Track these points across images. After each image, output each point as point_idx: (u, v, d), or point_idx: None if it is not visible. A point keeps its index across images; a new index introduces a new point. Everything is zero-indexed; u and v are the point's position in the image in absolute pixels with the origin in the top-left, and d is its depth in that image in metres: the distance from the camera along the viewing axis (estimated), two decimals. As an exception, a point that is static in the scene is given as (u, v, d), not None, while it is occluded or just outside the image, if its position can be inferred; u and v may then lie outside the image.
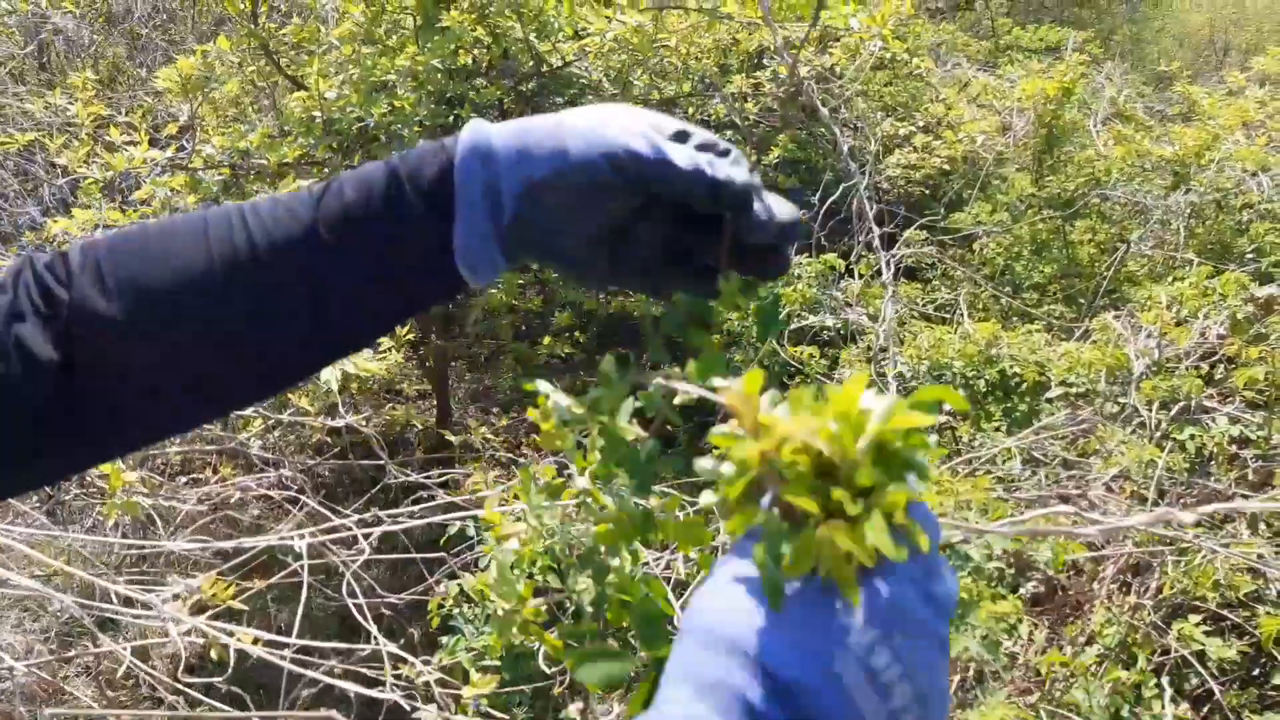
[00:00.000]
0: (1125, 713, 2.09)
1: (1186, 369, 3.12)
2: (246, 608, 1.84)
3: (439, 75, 3.63)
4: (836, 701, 0.40)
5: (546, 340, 4.74)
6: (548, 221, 0.60)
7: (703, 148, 0.58)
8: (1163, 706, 2.07)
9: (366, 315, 0.64)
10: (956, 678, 2.21)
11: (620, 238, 0.61)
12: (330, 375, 2.10)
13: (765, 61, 4.82)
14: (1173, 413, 2.92)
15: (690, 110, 4.80)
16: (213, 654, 1.61)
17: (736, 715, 0.40)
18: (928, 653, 0.43)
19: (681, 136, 0.58)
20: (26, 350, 0.59)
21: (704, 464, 0.45)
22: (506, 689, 2.16)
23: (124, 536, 2.58)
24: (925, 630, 0.43)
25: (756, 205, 0.58)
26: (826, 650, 0.41)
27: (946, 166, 4.99)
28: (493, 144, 0.60)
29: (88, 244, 0.63)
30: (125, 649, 1.72)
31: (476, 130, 0.61)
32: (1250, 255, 3.99)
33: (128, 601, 1.90)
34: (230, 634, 1.61)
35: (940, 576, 0.45)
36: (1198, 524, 2.24)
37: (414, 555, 2.51)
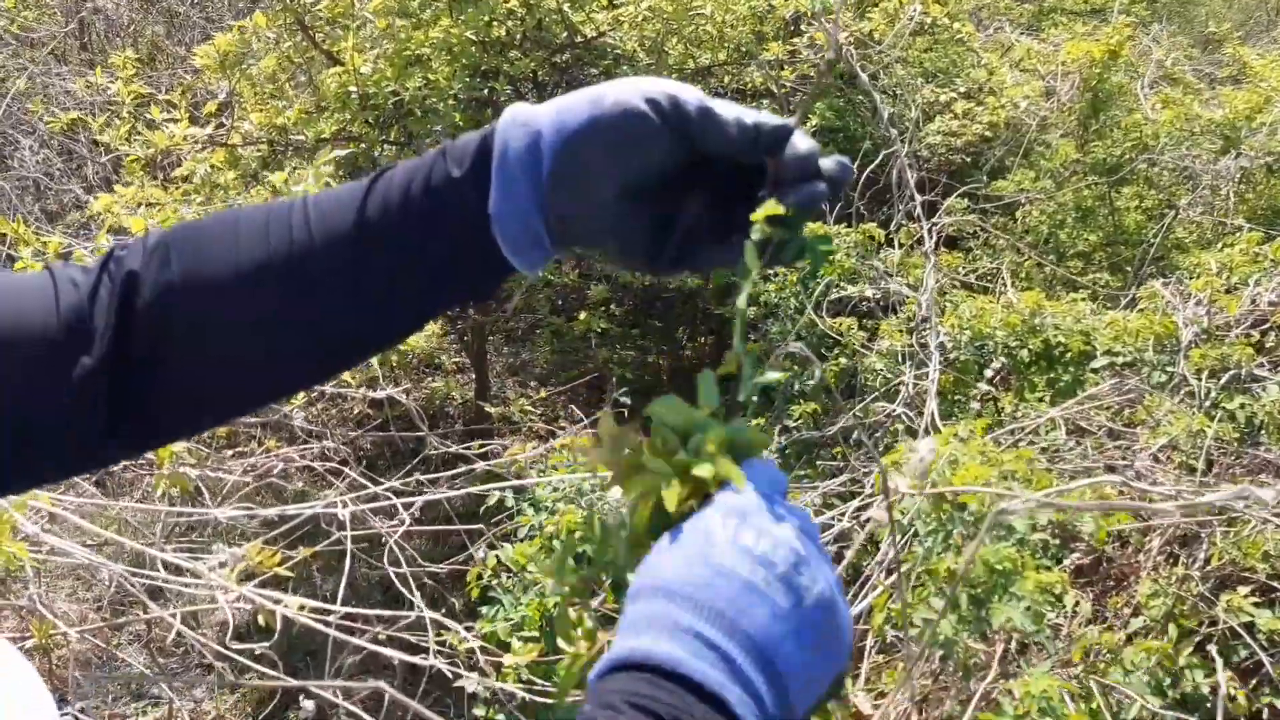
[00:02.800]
0: (1168, 683, 2.06)
1: (1236, 337, 3.05)
2: (292, 574, 1.87)
3: (473, 48, 3.62)
4: (725, 583, 0.49)
5: (582, 314, 4.74)
6: (587, 172, 0.59)
7: None
8: (1214, 674, 2.04)
9: (408, 303, 0.65)
10: (999, 648, 2.19)
11: (661, 200, 0.60)
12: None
13: (802, 28, 4.75)
14: (1222, 381, 2.86)
15: (726, 79, 4.75)
16: (260, 620, 1.64)
17: (682, 636, 0.48)
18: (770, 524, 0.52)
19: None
20: (101, 331, 0.61)
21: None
22: (547, 659, 2.18)
23: (171, 505, 2.64)
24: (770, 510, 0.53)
25: (793, 139, 0.58)
26: (699, 552, 0.50)
27: (988, 133, 4.89)
28: (533, 110, 0.60)
29: (163, 232, 0.65)
30: (175, 615, 1.76)
31: (517, 106, 0.61)
32: (1303, 220, 3.89)
33: (176, 570, 1.94)
34: (277, 601, 1.64)
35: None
36: None
37: (455, 526, 2.54)
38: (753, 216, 0.57)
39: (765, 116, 0.57)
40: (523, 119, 0.60)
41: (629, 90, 0.58)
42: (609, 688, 0.47)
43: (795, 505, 0.55)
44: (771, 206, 0.57)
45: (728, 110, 0.57)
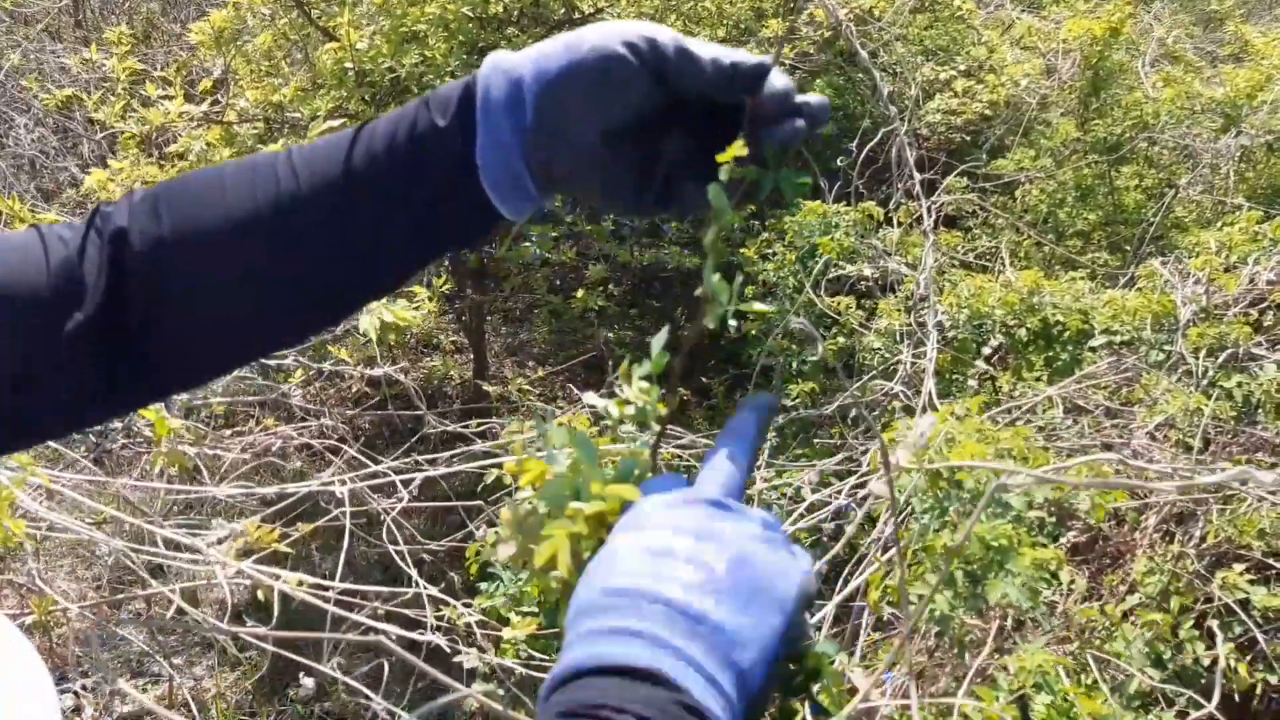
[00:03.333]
0: (1168, 655, 2.07)
1: (1235, 315, 3.04)
2: (291, 552, 1.87)
3: (470, 24, 3.60)
4: (631, 581, 0.50)
5: (580, 293, 4.73)
6: (568, 116, 0.59)
7: None
8: (1210, 648, 2.05)
9: (395, 252, 0.65)
10: (995, 625, 2.20)
11: (642, 143, 0.61)
12: (367, 323, 2.11)
13: (802, 4, 4.71)
14: (1220, 360, 2.86)
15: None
16: (259, 595, 1.65)
17: (598, 637, 0.49)
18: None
19: None
20: (91, 286, 0.61)
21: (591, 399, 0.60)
22: (545, 632, 2.19)
23: (170, 484, 2.64)
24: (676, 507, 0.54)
25: (770, 78, 0.58)
26: (606, 568, 0.52)
27: (988, 111, 4.87)
28: (513, 57, 0.61)
29: (148, 189, 0.66)
30: (174, 590, 1.76)
31: (497, 53, 0.62)
32: (1303, 199, 3.88)
33: (175, 546, 1.94)
34: (275, 578, 1.65)
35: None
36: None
37: (453, 504, 2.54)
38: (719, 157, 0.57)
39: (742, 55, 0.58)
40: (504, 66, 0.60)
41: (606, 33, 0.58)
42: (544, 715, 0.47)
43: (708, 485, 0.56)
44: (738, 147, 0.57)
45: (704, 50, 0.58)
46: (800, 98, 0.59)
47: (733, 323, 0.58)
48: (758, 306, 0.59)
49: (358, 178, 0.62)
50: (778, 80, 0.58)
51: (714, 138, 0.59)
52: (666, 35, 0.58)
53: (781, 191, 0.60)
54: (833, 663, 0.56)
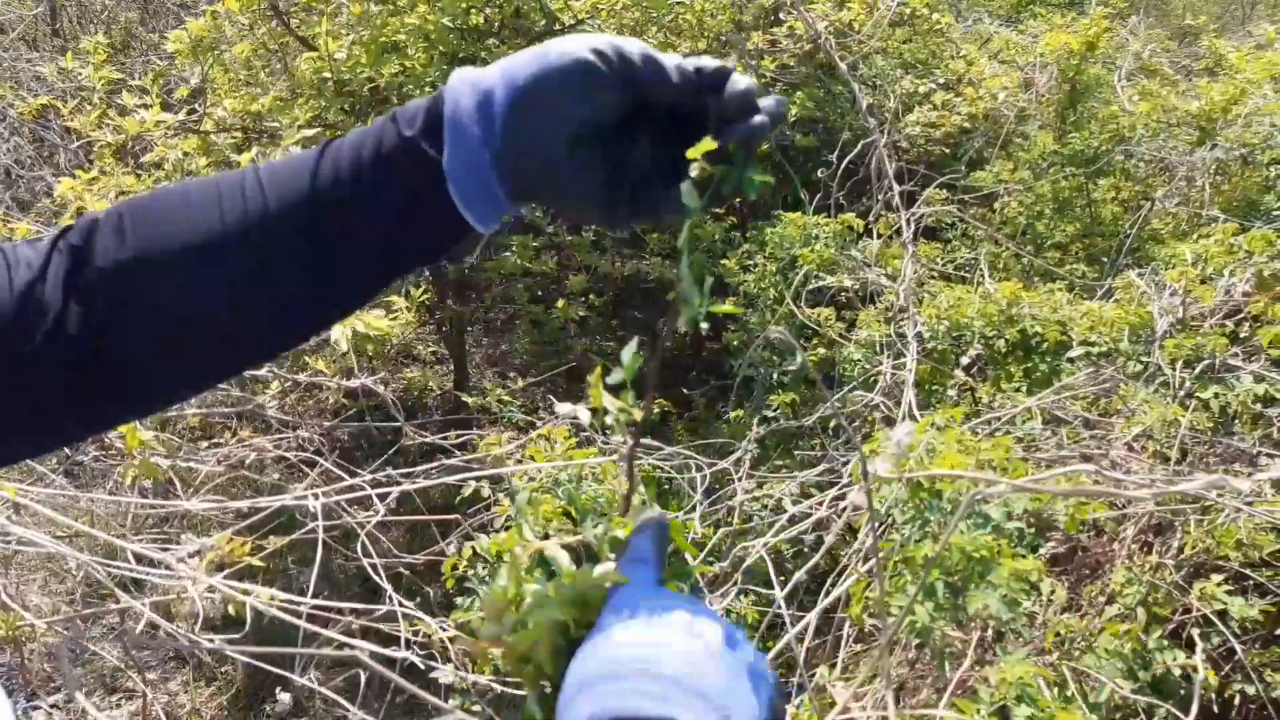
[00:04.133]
0: (1146, 668, 2.07)
1: (1211, 327, 3.06)
2: (265, 565, 1.84)
3: (451, 35, 3.59)
4: (629, 651, 0.52)
5: (561, 304, 4.72)
6: (538, 124, 0.59)
7: None
8: (1175, 658, 2.05)
9: (364, 267, 0.65)
10: (975, 635, 2.20)
11: (612, 148, 0.61)
12: (340, 334, 2.09)
13: (782, 17, 4.74)
14: (1196, 371, 2.87)
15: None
16: (230, 609, 1.62)
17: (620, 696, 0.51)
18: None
19: None
20: (53, 306, 0.61)
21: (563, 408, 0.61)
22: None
23: (142, 497, 2.60)
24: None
25: (732, 79, 0.60)
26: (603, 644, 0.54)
27: (967, 124, 4.90)
28: (480, 71, 0.61)
29: (114, 206, 0.65)
30: (145, 604, 1.73)
31: (463, 68, 0.62)
32: (1277, 211, 3.91)
33: (147, 562, 1.91)
34: (246, 592, 1.62)
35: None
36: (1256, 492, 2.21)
37: (430, 518, 2.52)
38: (689, 153, 0.58)
39: (703, 60, 0.60)
40: (471, 79, 0.61)
41: (574, 43, 0.59)
42: None
43: (674, 593, 0.59)
44: (706, 143, 0.58)
45: (667, 59, 0.59)
46: (760, 100, 0.60)
47: (704, 325, 0.60)
48: (726, 307, 0.60)
49: (324, 194, 0.62)
50: (739, 81, 0.60)
51: (680, 147, 0.60)
52: (633, 44, 0.59)
53: (743, 189, 0.61)
54: None
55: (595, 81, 0.58)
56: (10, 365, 0.60)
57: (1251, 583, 2.40)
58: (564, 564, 0.60)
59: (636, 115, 0.61)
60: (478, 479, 2.39)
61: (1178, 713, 1.89)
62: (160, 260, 0.62)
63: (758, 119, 0.60)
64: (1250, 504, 2.30)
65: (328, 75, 3.50)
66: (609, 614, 0.56)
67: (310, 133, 2.99)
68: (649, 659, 0.51)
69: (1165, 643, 2.09)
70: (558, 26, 4.09)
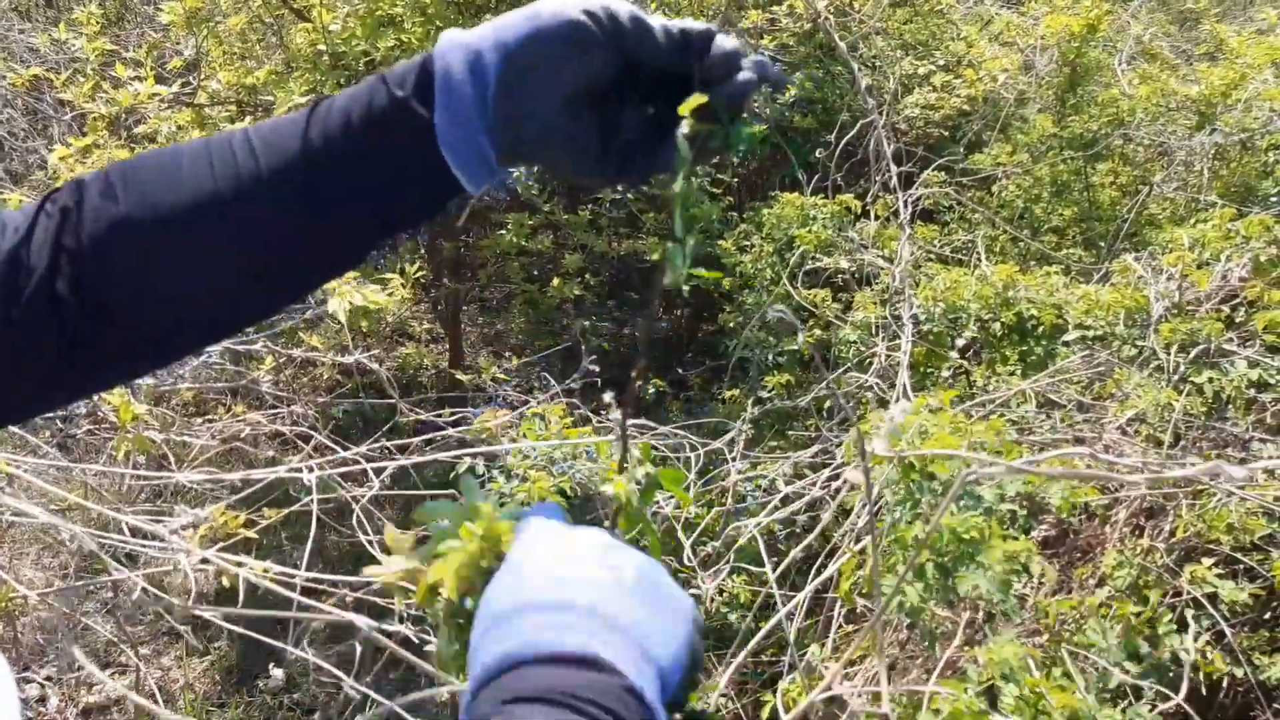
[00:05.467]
0: (1144, 649, 2.08)
1: (1207, 312, 3.06)
2: (259, 538, 1.85)
3: (447, 9, 3.56)
4: (543, 580, 0.52)
5: (556, 283, 4.71)
6: (530, 83, 0.60)
7: None
8: (1182, 641, 2.07)
9: (355, 226, 0.65)
10: (965, 616, 2.21)
11: (603, 109, 0.62)
12: (338, 306, 2.08)
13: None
14: (1191, 356, 2.88)
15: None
16: (224, 581, 1.62)
17: (520, 632, 0.50)
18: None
19: None
20: (37, 267, 0.61)
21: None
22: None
23: (135, 469, 2.60)
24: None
25: (717, 39, 0.61)
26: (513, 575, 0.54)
27: (966, 106, 4.88)
28: (470, 32, 0.62)
29: (101, 171, 0.65)
30: (138, 576, 1.73)
31: (453, 30, 0.63)
32: (1275, 197, 3.91)
33: (140, 534, 1.91)
34: (239, 565, 1.62)
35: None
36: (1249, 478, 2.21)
37: (426, 492, 2.52)
38: (680, 109, 0.59)
39: (689, 23, 0.61)
40: (462, 40, 0.61)
41: (565, 2, 0.60)
42: (474, 712, 0.48)
43: (587, 528, 0.58)
44: (696, 99, 0.59)
45: (655, 20, 0.60)
46: (746, 60, 0.61)
47: (686, 289, 0.61)
48: (703, 272, 0.61)
49: (315, 154, 0.62)
50: (725, 42, 0.61)
51: (670, 107, 0.61)
52: (623, 5, 0.60)
53: (731, 145, 0.61)
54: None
55: (588, 40, 0.59)
56: None
57: (1242, 566, 2.41)
58: (474, 496, 0.60)
59: (626, 78, 0.61)
60: (474, 455, 2.40)
61: (1167, 691, 1.91)
62: (152, 220, 0.61)
63: (743, 76, 0.60)
64: (1242, 488, 2.31)
65: (323, 48, 3.47)
66: (519, 547, 0.55)
67: (302, 99, 2.97)
68: (561, 592, 0.50)
69: (1173, 626, 2.11)
70: (556, 2, 4.06)
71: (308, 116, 0.63)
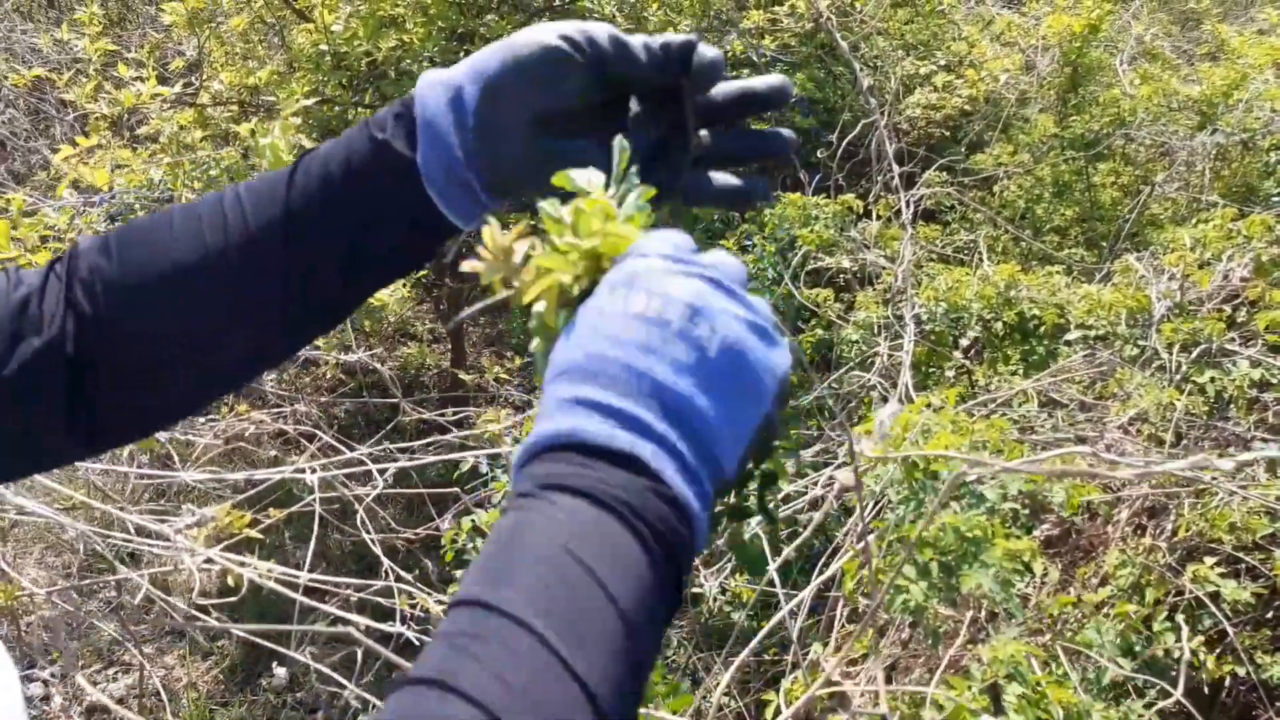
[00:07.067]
0: (1138, 647, 2.09)
1: (1208, 311, 3.07)
2: (263, 537, 1.85)
3: (449, 9, 3.56)
4: (618, 350, 0.47)
5: (560, 282, 4.70)
6: (508, 113, 0.60)
7: None
8: (1177, 640, 2.07)
9: (348, 275, 0.65)
10: (968, 615, 2.21)
11: (603, 133, 0.61)
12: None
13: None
14: (1193, 355, 2.88)
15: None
16: (229, 580, 1.63)
17: (579, 410, 0.47)
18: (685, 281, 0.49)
19: None
20: (49, 322, 0.62)
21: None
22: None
23: (139, 469, 2.61)
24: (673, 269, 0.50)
25: (698, 50, 0.60)
26: (590, 329, 0.49)
27: (968, 106, 4.88)
28: (448, 70, 0.62)
29: (109, 232, 0.66)
30: (143, 575, 1.74)
31: (431, 70, 0.63)
32: (1276, 197, 3.91)
33: (144, 533, 1.91)
34: (243, 564, 1.63)
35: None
36: (1239, 470, 2.22)
37: (427, 491, 2.52)
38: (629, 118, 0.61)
39: (669, 37, 0.60)
40: (442, 78, 0.61)
41: (541, 31, 0.60)
42: (521, 483, 0.45)
43: (708, 256, 0.52)
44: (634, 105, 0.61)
45: (635, 39, 0.60)
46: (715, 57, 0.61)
47: None
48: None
49: (295, 209, 0.62)
50: (706, 51, 0.60)
51: (673, 129, 0.61)
52: (600, 28, 0.60)
53: (753, 199, 0.63)
54: (787, 473, 0.56)
55: (566, 67, 0.59)
56: (6, 373, 0.61)
57: (1244, 565, 2.41)
58: (587, 200, 0.52)
59: (613, 103, 0.62)
60: (476, 456, 2.40)
61: (1169, 688, 1.91)
62: (141, 283, 0.63)
63: (772, 138, 0.63)
64: (1244, 487, 2.32)
65: (325, 49, 3.47)
66: (621, 271, 0.50)
67: (308, 102, 2.97)
68: (634, 360, 0.46)
69: (1170, 624, 2.11)
70: (557, 3, 4.07)
71: (293, 169, 0.64)
